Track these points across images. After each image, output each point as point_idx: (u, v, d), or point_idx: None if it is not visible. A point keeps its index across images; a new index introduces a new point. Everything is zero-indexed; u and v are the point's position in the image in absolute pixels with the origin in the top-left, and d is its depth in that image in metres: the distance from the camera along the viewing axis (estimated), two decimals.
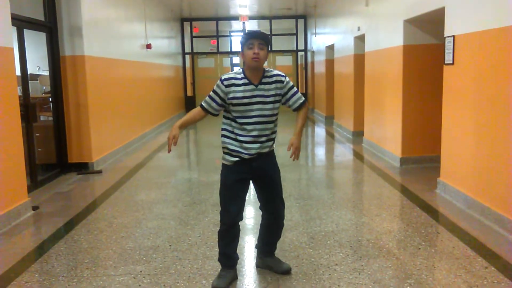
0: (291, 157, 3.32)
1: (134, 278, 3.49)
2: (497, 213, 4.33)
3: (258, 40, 3.12)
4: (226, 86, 3.13)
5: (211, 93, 3.22)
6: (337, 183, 6.49)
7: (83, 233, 4.51)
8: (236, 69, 3.29)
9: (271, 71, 3.25)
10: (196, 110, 3.30)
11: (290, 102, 3.30)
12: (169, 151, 3.21)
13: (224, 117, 3.27)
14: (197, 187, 6.27)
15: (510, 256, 3.71)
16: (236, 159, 3.20)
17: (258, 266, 3.61)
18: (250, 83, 3.14)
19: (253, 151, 3.19)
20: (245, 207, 5.10)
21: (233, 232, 3.35)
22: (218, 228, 3.37)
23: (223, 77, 3.18)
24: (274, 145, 3.34)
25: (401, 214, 4.98)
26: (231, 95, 3.13)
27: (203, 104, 3.25)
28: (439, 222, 4.61)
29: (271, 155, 3.35)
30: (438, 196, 5.45)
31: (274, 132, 3.30)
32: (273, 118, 3.25)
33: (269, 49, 3.27)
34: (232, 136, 3.20)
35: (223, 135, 3.26)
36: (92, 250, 4.06)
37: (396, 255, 3.80)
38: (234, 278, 3.40)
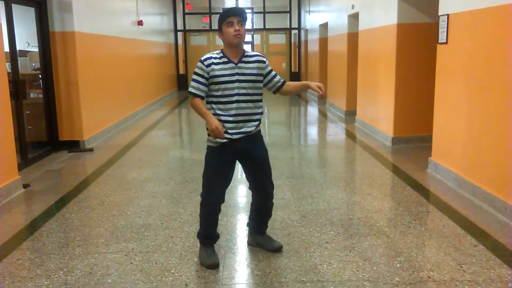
0: (320, 96, 3.21)
1: (126, 255, 3.50)
2: (487, 193, 4.37)
3: (237, 18, 3.10)
4: (207, 65, 3.11)
5: (194, 76, 3.17)
6: (329, 162, 6.51)
7: (74, 211, 4.50)
8: (214, 51, 3.26)
9: (251, 52, 3.27)
10: (197, 101, 3.17)
11: (271, 84, 3.32)
12: (224, 137, 3.11)
13: (207, 101, 3.23)
14: (189, 165, 6.26)
15: (499, 235, 3.76)
16: (222, 140, 3.17)
17: (250, 244, 3.62)
18: (229, 61, 3.14)
19: (236, 131, 3.16)
20: (237, 186, 5.14)
21: (217, 213, 3.36)
22: (201, 210, 3.35)
23: (202, 58, 3.17)
24: (259, 125, 3.29)
25: (392, 193, 5.01)
26: (211, 74, 3.11)
27: (193, 91, 3.17)
28: (430, 201, 4.65)
29: (257, 135, 3.30)
30: (429, 175, 5.49)
31: (258, 114, 3.24)
32: (255, 98, 3.20)
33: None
34: (217, 112, 3.16)
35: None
36: (84, 228, 4.06)
37: (386, 233, 3.83)
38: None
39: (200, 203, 3.36)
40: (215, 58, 3.14)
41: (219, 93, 3.13)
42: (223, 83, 3.10)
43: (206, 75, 3.12)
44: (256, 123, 3.24)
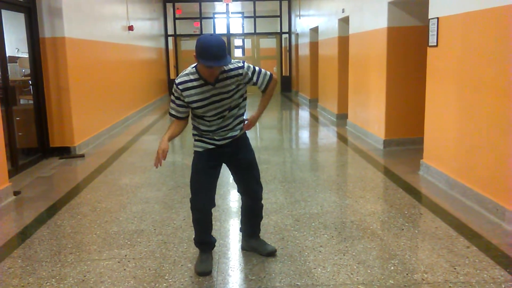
0: (243, 127, 3.25)
1: (118, 262, 3.47)
2: (479, 194, 4.40)
3: (217, 68, 2.90)
4: (182, 90, 3.01)
5: (172, 98, 3.10)
6: (321, 166, 6.51)
7: (66, 218, 4.46)
8: (189, 68, 3.07)
9: (229, 66, 3.03)
10: (174, 122, 3.15)
11: (258, 84, 3.17)
12: (157, 165, 2.96)
13: (191, 114, 3.21)
14: (181, 171, 6.23)
15: (491, 236, 3.78)
16: (209, 146, 3.17)
17: (244, 248, 3.61)
18: (206, 83, 2.99)
19: (221, 137, 3.17)
20: (230, 191, 5.13)
21: (209, 217, 3.33)
22: (192, 215, 3.33)
23: (177, 81, 3.03)
24: (243, 127, 3.27)
25: (384, 195, 5.02)
26: (188, 99, 3.02)
27: (173, 113, 3.13)
28: (422, 203, 4.67)
29: (243, 137, 3.31)
30: (421, 177, 5.51)
31: (240, 116, 3.22)
32: (235, 110, 3.17)
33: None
34: (200, 127, 3.17)
35: (193, 125, 3.25)
36: (76, 235, 4.03)
37: (380, 236, 3.84)
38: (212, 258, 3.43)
39: (190, 208, 3.35)
40: (191, 81, 3.00)
41: (200, 112, 3.09)
42: (201, 107, 3.04)
43: (182, 98, 3.04)
44: (240, 126, 3.24)
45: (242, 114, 3.25)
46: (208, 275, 3.25)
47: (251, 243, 3.57)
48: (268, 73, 3.20)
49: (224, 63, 2.86)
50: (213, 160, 3.22)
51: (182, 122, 3.18)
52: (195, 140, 3.23)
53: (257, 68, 3.15)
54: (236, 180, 3.41)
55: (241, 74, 3.06)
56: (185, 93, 3.02)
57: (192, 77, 3.02)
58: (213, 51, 2.81)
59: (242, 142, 3.30)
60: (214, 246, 3.47)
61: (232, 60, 3.07)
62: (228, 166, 3.34)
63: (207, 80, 2.98)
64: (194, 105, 3.04)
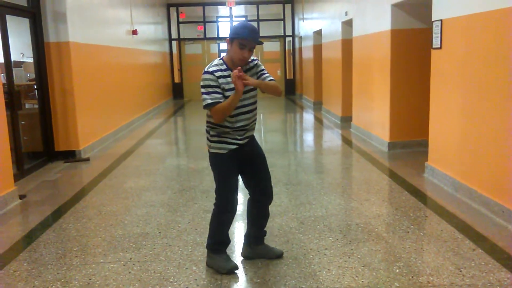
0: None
1: (124, 265, 3.48)
2: (484, 196, 4.38)
3: (252, 44, 3.01)
4: (218, 77, 3.04)
5: (206, 89, 3.03)
6: (326, 169, 6.51)
7: (71, 221, 4.47)
8: (216, 60, 3.14)
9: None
10: (218, 105, 3.02)
11: (265, 74, 3.21)
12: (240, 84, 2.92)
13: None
14: (186, 174, 6.25)
15: (497, 238, 3.76)
16: (232, 146, 3.18)
17: (248, 257, 3.53)
18: None
19: (243, 137, 3.20)
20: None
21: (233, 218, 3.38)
22: (217, 219, 3.31)
23: (210, 70, 3.05)
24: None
25: (389, 198, 5.01)
26: (224, 86, 3.05)
27: (212, 101, 3.01)
28: (427, 206, 4.65)
29: (253, 135, 3.39)
30: (426, 180, 5.50)
31: (256, 114, 3.32)
32: (255, 105, 3.26)
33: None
34: (225, 124, 3.14)
35: (210, 126, 3.21)
36: (81, 238, 4.04)
37: (385, 239, 3.83)
38: None
39: (214, 212, 3.32)
40: (221, 70, 3.07)
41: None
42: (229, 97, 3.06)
43: (218, 85, 3.03)
44: (255, 124, 3.33)
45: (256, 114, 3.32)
46: (236, 270, 3.30)
47: (257, 250, 3.52)
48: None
49: (259, 42, 3.04)
50: (236, 161, 3.24)
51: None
52: (214, 142, 3.20)
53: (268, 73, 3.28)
54: (252, 178, 3.38)
55: (256, 65, 3.21)
56: (220, 80, 3.05)
57: (221, 67, 3.09)
58: (251, 27, 3.02)
59: (254, 140, 3.38)
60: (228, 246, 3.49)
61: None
62: (244, 165, 3.31)
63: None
64: (229, 93, 3.05)
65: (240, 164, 3.29)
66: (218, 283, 3.19)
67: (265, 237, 3.62)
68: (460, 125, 4.84)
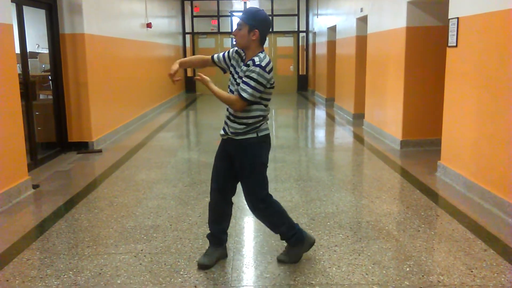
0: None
1: (135, 256, 3.51)
2: (497, 196, 4.34)
3: (237, 20, 3.08)
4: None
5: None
6: (337, 165, 6.49)
7: (83, 211, 4.52)
8: (264, 53, 3.10)
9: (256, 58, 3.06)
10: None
11: (237, 85, 3.14)
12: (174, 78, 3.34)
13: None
14: (197, 168, 6.27)
15: (509, 239, 3.73)
16: (267, 132, 3.24)
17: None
18: None
19: (267, 125, 3.29)
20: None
21: (225, 209, 3.42)
22: (273, 209, 3.27)
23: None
24: None
25: (401, 196, 4.99)
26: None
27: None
28: (439, 205, 4.62)
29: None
30: (438, 179, 5.46)
31: None
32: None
33: (254, 27, 3.01)
34: (263, 115, 3.17)
35: (253, 117, 3.11)
36: (93, 229, 4.08)
37: (395, 237, 3.81)
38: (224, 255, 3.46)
39: (266, 207, 3.27)
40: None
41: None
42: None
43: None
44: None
45: None
46: (204, 269, 3.30)
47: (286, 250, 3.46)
48: (245, 94, 3.00)
49: (244, 15, 3.11)
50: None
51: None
52: (254, 131, 3.13)
53: (252, 83, 2.99)
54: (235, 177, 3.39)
55: (249, 69, 3.02)
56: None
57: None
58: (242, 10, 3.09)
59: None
60: (215, 240, 3.45)
61: (261, 55, 3.09)
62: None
63: None
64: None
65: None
66: (228, 276, 3.21)
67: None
68: (474, 124, 4.79)
